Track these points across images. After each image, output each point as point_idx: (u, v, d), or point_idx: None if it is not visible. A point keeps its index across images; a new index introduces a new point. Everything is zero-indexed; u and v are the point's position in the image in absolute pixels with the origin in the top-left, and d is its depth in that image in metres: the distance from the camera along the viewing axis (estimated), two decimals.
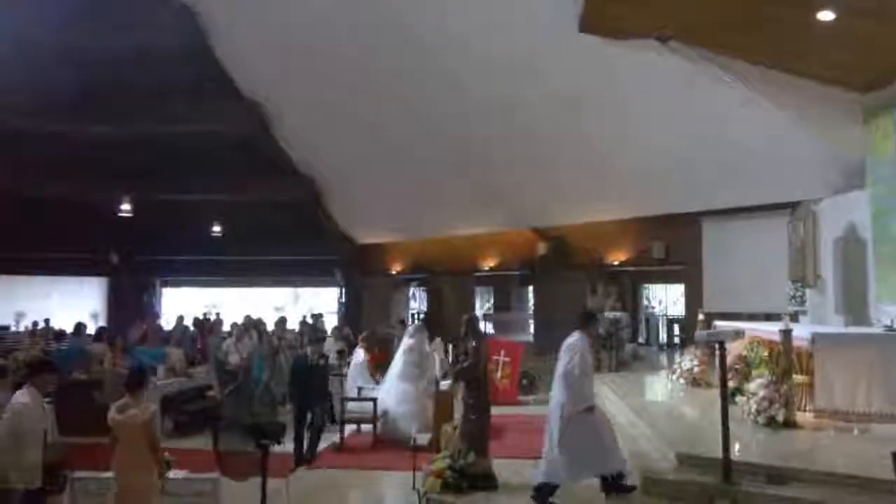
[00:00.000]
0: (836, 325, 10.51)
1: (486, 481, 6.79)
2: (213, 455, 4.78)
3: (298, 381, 8.79)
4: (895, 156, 9.97)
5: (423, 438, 8.54)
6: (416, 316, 20.40)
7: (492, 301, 20.78)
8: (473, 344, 7.36)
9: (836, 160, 11.66)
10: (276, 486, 5.54)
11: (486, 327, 17.57)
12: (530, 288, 19.59)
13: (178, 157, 17.43)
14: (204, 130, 16.75)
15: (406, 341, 9.85)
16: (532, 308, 19.47)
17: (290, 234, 19.78)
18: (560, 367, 6.34)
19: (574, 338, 6.43)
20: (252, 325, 12.64)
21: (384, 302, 20.37)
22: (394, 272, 21.33)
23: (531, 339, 17.47)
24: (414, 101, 14.19)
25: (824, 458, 5.99)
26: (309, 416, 8.66)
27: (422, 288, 21.27)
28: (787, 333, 7.40)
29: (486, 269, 19.78)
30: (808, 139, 11.48)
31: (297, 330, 15.07)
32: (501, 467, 7.14)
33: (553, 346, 16.30)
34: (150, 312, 19.94)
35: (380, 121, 14.99)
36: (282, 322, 13.46)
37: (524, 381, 12.12)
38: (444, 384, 8.92)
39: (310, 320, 16.22)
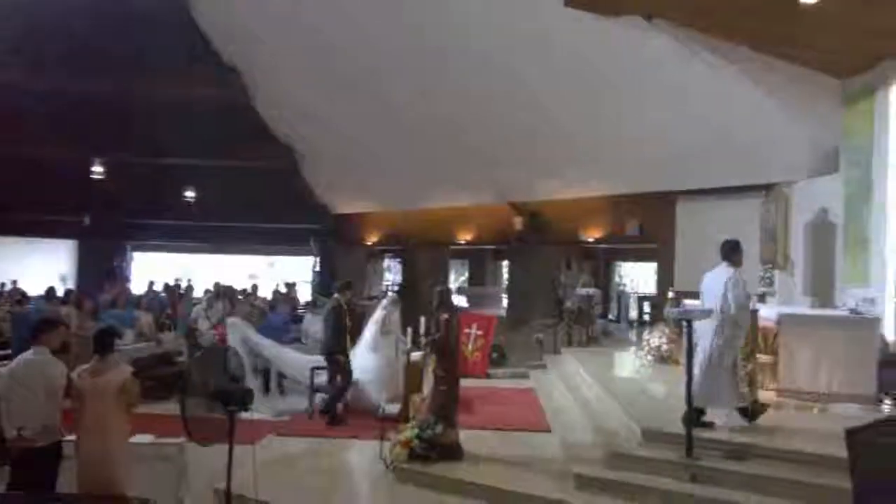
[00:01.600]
0: (803, 307, 10.71)
1: (453, 452, 6.85)
2: (180, 420, 4.75)
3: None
4: (871, 141, 10.09)
5: (392, 408, 8.62)
6: (388, 288, 20.37)
7: (466, 274, 20.84)
8: (445, 316, 7.37)
9: (813, 144, 11.75)
10: (244, 453, 5.56)
11: (461, 300, 17.62)
12: (505, 262, 19.66)
13: (153, 120, 17.13)
14: (181, 95, 16.46)
15: (378, 312, 9.84)
16: (506, 282, 19.55)
17: (265, 201, 19.61)
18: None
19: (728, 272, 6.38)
20: (223, 292, 12.54)
21: (359, 272, 20.32)
22: (369, 243, 21.26)
23: (504, 313, 17.55)
24: (396, 73, 14.01)
25: (784, 435, 6.11)
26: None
27: (397, 259, 21.25)
28: (753, 313, 7.50)
29: (462, 242, 19.79)
30: (787, 122, 11.55)
31: (269, 298, 14.99)
32: (469, 438, 7.20)
33: (526, 320, 16.48)
34: (120, 276, 19.71)
35: (360, 91, 14.79)
36: (254, 290, 13.36)
37: (495, 355, 12.19)
38: (415, 355, 8.94)
39: (283, 289, 16.12)
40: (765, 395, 7.36)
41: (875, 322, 7.92)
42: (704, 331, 6.30)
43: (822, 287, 11.19)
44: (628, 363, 10.95)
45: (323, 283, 20.20)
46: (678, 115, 12.49)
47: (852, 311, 8.31)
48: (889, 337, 8.72)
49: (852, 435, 2.39)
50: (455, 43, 12.98)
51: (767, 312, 7.93)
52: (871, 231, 9.90)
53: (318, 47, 13.96)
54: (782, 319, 7.53)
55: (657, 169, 13.95)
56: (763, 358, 7.56)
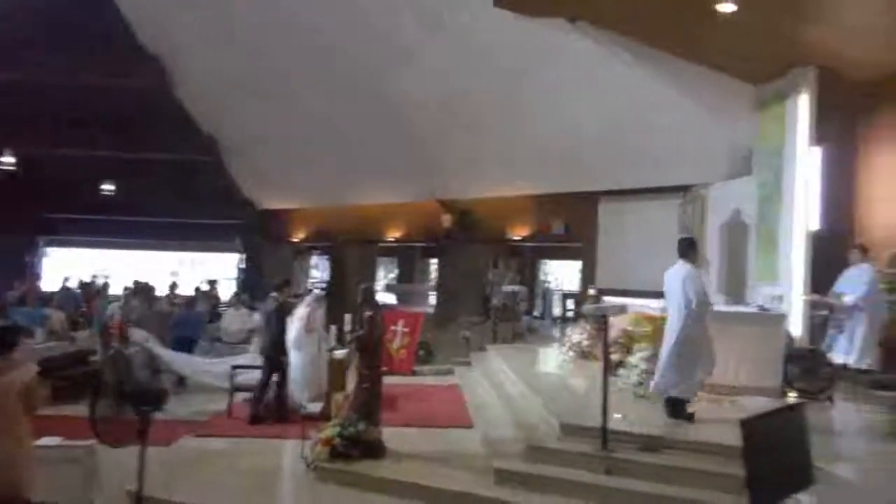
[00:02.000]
0: (717, 304, 11.12)
1: (375, 449, 6.82)
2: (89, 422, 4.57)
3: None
4: (782, 145, 10.56)
5: (315, 407, 8.53)
6: (314, 285, 20.10)
7: (395, 272, 20.81)
8: (369, 314, 7.35)
9: (729, 147, 12.22)
10: (159, 454, 5.39)
11: (389, 298, 17.56)
12: (434, 260, 19.72)
13: (68, 109, 16.41)
14: (99, 82, 15.81)
15: (302, 309, 9.72)
16: (435, 280, 19.61)
17: (187, 195, 19.08)
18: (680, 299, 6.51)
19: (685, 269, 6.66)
20: (140, 290, 12.13)
21: (286, 269, 20.00)
22: (296, 239, 20.96)
23: (432, 310, 17.61)
24: (324, 66, 13.86)
25: (695, 427, 6.33)
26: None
27: (325, 257, 21.02)
28: (665, 309, 7.75)
29: (391, 239, 19.74)
30: (705, 126, 11.98)
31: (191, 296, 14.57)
32: (392, 436, 7.19)
33: (454, 317, 16.53)
34: (30, 273, 18.81)
35: (288, 83, 14.58)
36: (172, 287, 13.00)
37: (421, 352, 12.22)
38: (340, 353, 8.87)
39: (205, 286, 15.72)
40: None
41: (782, 318, 8.31)
42: (671, 325, 6.62)
43: (735, 285, 11.67)
44: (551, 359, 11.15)
45: (248, 281, 19.81)
46: (600, 118, 12.80)
47: (761, 307, 8.70)
48: (795, 333, 9.19)
49: (746, 425, 2.50)
50: (382, 41, 12.95)
51: None
52: (780, 231, 10.37)
53: (243, 40, 13.69)
54: None
55: (580, 170, 14.26)
56: None
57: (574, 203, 15.91)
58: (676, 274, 6.73)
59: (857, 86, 10.28)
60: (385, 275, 21.05)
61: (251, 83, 14.75)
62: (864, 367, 8.24)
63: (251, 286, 18.04)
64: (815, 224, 10.07)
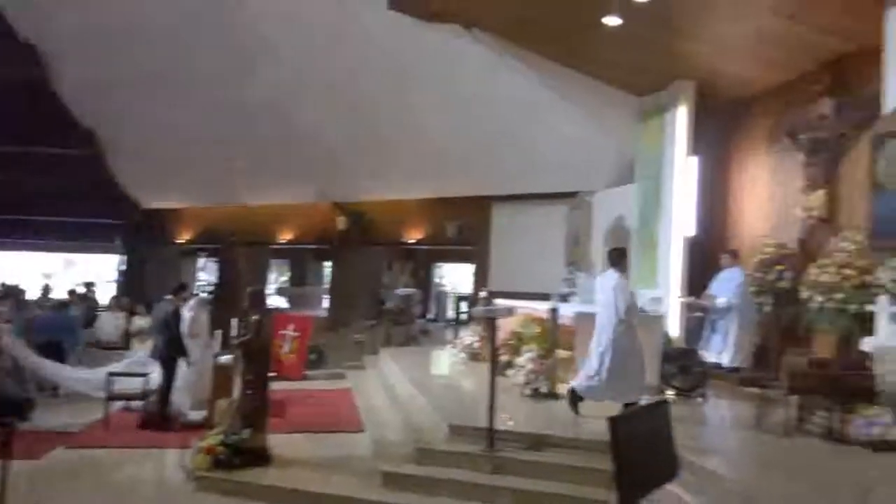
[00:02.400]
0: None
1: (260, 457, 6.63)
2: None
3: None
4: (661, 155, 11.09)
5: (198, 415, 8.21)
6: (200, 289, 19.38)
7: (288, 275, 20.37)
8: (256, 317, 7.14)
9: (614, 156, 12.74)
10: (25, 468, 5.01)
11: (281, 301, 17.19)
12: (328, 263, 19.44)
13: None
14: None
15: (185, 314, 9.33)
16: (328, 283, 19.34)
17: (64, 193, 17.91)
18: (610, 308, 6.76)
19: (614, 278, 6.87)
20: (8, 293, 11.30)
21: (170, 272, 19.16)
22: (182, 241, 20.14)
23: (325, 313, 17.36)
24: (214, 63, 13.40)
25: (577, 425, 6.53)
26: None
27: (213, 259, 20.29)
28: (553, 312, 7.99)
29: (283, 241, 19.32)
30: (592, 135, 12.44)
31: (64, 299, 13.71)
32: (280, 442, 7.03)
33: (348, 320, 16.34)
34: None
35: (175, 79, 14.00)
36: (45, 290, 12.18)
37: (312, 356, 12.01)
38: (225, 358, 8.58)
39: (81, 289, 14.83)
40: (563, 388, 7.85)
41: (659, 319, 8.72)
42: (603, 330, 6.81)
43: None
44: (443, 361, 11.23)
45: (129, 284, 18.85)
46: (494, 124, 13.04)
47: (641, 309, 9.07)
48: (672, 333, 9.67)
49: (614, 422, 2.59)
50: (278, 41, 12.69)
51: (566, 311, 8.48)
52: (659, 237, 10.91)
53: (126, 31, 13.04)
54: (578, 318, 8.08)
55: (474, 174, 14.50)
56: (563, 354, 8.06)
57: (468, 207, 16.12)
58: (607, 282, 6.99)
59: (732, 101, 10.97)
60: (277, 278, 20.58)
61: (135, 77, 14.06)
62: (735, 365, 8.78)
63: (132, 289, 17.17)
64: (691, 230, 10.64)
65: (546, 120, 12.51)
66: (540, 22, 10.47)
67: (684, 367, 7.75)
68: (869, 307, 6.92)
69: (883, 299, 6.29)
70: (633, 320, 6.81)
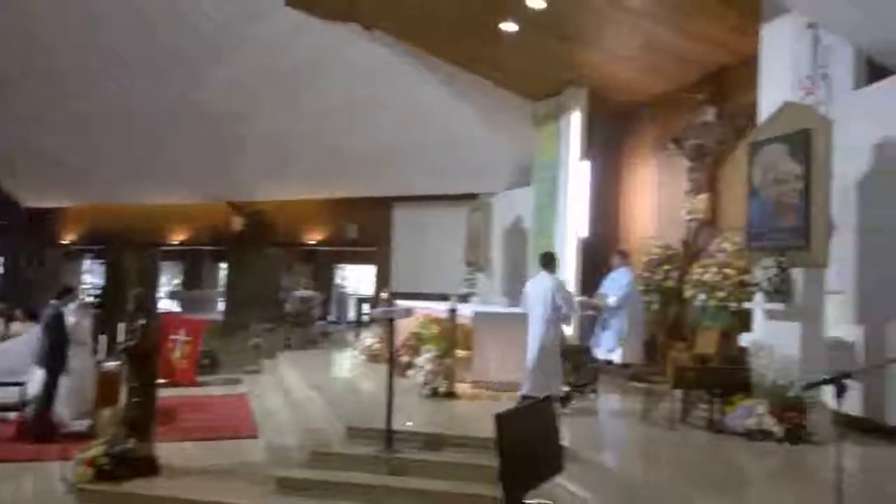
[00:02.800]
0: (500, 306, 11.73)
1: (147, 467, 6.33)
2: None
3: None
4: (556, 159, 11.39)
5: (80, 424, 7.77)
6: (84, 292, 18.39)
7: (181, 277, 19.62)
8: (142, 322, 6.81)
9: (511, 159, 13.01)
10: None
11: (173, 305, 16.54)
12: (224, 264, 18.87)
13: None
14: None
15: (68, 319, 8.80)
16: (224, 285, 18.77)
17: None
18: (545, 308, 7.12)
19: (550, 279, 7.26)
20: None
21: (53, 275, 18.08)
22: (66, 241, 19.02)
23: (221, 317, 16.84)
24: (102, 57, 12.75)
25: (474, 423, 6.59)
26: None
27: (99, 260, 19.27)
28: (452, 312, 8.05)
29: (176, 242, 18.58)
30: (491, 138, 12.66)
31: None
32: (169, 452, 6.73)
33: (245, 324, 15.91)
34: None
35: (59, 71, 13.21)
36: None
37: (205, 361, 11.59)
38: (110, 365, 8.16)
39: None
40: (462, 387, 7.94)
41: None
42: (534, 333, 7.15)
43: (515, 287, 12.37)
44: (343, 364, 11.12)
45: (9, 288, 17.62)
46: (395, 126, 13.05)
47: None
48: (567, 331, 9.93)
49: (499, 418, 2.63)
50: (175, 39, 12.22)
51: (465, 311, 8.56)
52: (555, 238, 11.20)
53: (12, 23, 12.21)
54: (475, 317, 8.18)
55: (375, 175, 14.45)
56: (461, 353, 8.13)
57: (369, 208, 16.04)
58: (540, 284, 7.26)
59: (623, 107, 11.41)
60: (170, 280, 19.78)
61: (12, 70, 13.19)
62: (625, 361, 9.13)
63: (13, 293, 16.06)
64: (584, 232, 10.99)
65: (446, 123, 12.64)
66: (439, 25, 10.57)
67: (577, 364, 7.97)
68: (747, 305, 7.33)
69: (758, 297, 6.67)
70: (570, 319, 7.28)
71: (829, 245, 6.24)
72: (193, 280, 19.08)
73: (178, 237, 18.54)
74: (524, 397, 7.05)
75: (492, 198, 13.80)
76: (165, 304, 17.98)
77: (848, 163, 6.48)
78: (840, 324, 6.57)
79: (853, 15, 6.27)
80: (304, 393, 8.70)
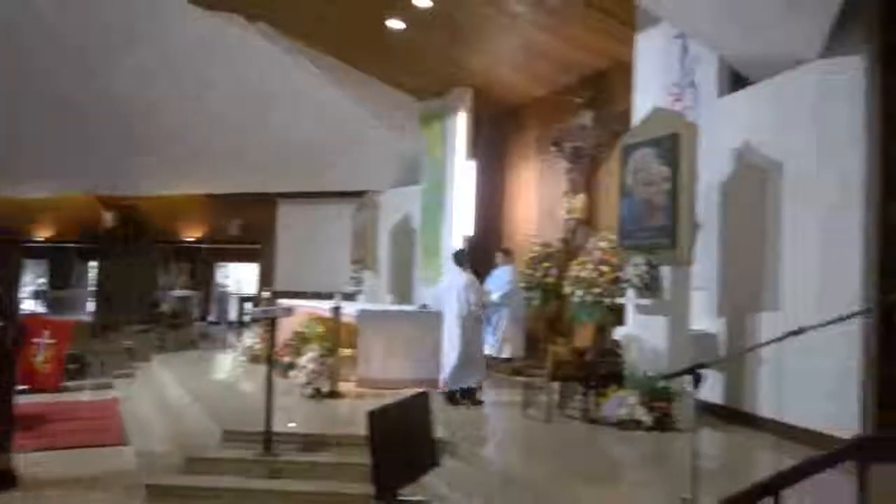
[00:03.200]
0: (386, 304, 11.73)
1: (4, 480, 5.87)
2: None
3: None
4: (443, 158, 11.50)
5: None
6: None
7: (47, 276, 18.34)
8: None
9: (399, 157, 12.98)
10: None
11: (37, 306, 15.44)
12: (94, 262, 17.79)
13: None
14: None
15: None
16: (95, 284, 17.70)
17: None
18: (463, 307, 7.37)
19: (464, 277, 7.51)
20: None
21: None
22: None
23: (90, 318, 15.87)
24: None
25: (356, 423, 6.52)
26: None
27: None
28: (336, 310, 7.96)
29: (40, 239, 17.34)
30: (379, 136, 12.55)
31: None
32: (32, 462, 6.28)
33: (117, 325, 15.08)
34: None
35: None
36: None
37: (72, 365, 10.88)
38: None
39: None
40: (346, 387, 7.86)
41: (437, 315, 8.97)
42: (451, 329, 7.39)
43: (403, 285, 12.43)
44: (222, 365, 10.77)
45: None
46: (280, 121, 12.68)
47: (422, 306, 9.36)
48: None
49: (372, 416, 2.61)
50: (52, 22, 11.36)
51: (349, 309, 8.49)
52: (442, 236, 11.31)
53: None
54: (360, 315, 8.12)
55: (257, 171, 14.00)
56: (345, 352, 8.05)
57: (252, 204, 15.58)
58: (455, 282, 7.53)
59: (506, 109, 11.66)
60: (34, 279, 18.45)
61: None
62: (508, 356, 9.34)
63: None
64: (470, 230, 11.16)
65: (334, 119, 12.42)
66: (326, 20, 10.42)
67: None
68: (620, 300, 7.67)
69: (630, 293, 7.00)
70: (482, 315, 7.60)
71: (693, 244, 6.63)
72: (60, 279, 17.87)
73: (42, 233, 17.31)
74: (443, 393, 7.40)
75: (380, 196, 13.75)
76: (28, 305, 16.78)
77: (712, 166, 6.91)
78: (704, 317, 7.00)
79: (716, 28, 6.67)
80: (179, 397, 8.36)
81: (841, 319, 2.19)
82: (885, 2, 5.64)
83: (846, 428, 5.17)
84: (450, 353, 7.43)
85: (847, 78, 5.72)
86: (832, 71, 5.86)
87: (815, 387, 5.73)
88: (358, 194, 14.29)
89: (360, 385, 8.02)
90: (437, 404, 7.18)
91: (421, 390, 2.99)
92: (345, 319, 8.16)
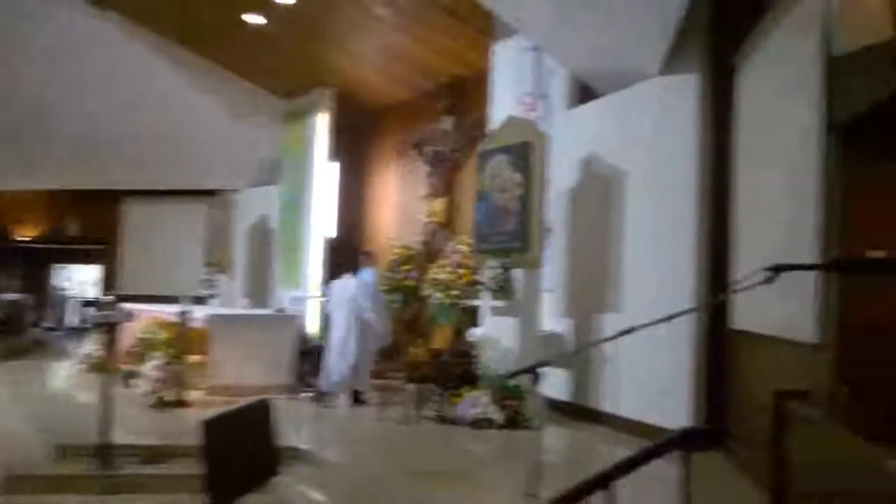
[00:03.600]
0: (242, 308, 11.33)
1: None
2: None
3: None
4: (304, 159, 11.27)
5: None
6: None
7: None
8: None
9: (257, 156, 12.60)
10: None
11: None
12: None
13: None
14: None
15: None
16: None
17: None
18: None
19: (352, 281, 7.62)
20: None
21: None
22: None
23: None
24: None
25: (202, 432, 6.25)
26: None
27: None
28: (183, 314, 7.59)
29: None
30: (235, 134, 12.13)
31: None
32: None
33: None
34: None
35: None
36: None
37: None
38: None
39: None
40: (194, 395, 7.50)
41: (295, 319, 8.81)
42: (340, 333, 7.39)
43: (259, 288, 12.07)
44: (58, 375, 9.97)
45: None
46: (124, 113, 11.95)
47: (279, 310, 9.13)
48: (311, 332, 9.86)
49: (206, 425, 2.51)
50: None
51: (199, 313, 8.12)
52: (302, 238, 11.07)
53: None
54: (211, 320, 7.79)
55: (100, 166, 13.12)
56: (194, 358, 7.69)
57: (94, 202, 14.55)
58: (345, 285, 7.60)
59: (369, 111, 11.62)
60: None
61: None
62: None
63: None
64: (331, 232, 11.01)
65: (188, 114, 11.87)
66: (178, 11, 9.92)
67: (318, 364, 7.94)
68: (476, 302, 7.84)
69: (485, 295, 7.17)
70: (381, 317, 7.70)
71: (543, 247, 6.89)
72: None
73: None
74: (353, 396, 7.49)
75: (235, 195, 13.27)
76: None
77: (562, 174, 7.22)
78: (553, 317, 7.29)
79: (565, 42, 6.97)
80: (3, 410, 7.63)
81: (669, 318, 2.33)
82: (714, 28, 6.17)
83: (677, 423, 5.55)
84: (340, 357, 7.39)
85: (684, 92, 6.17)
86: (671, 87, 6.30)
87: (650, 384, 6.13)
88: (211, 193, 13.75)
89: (211, 393, 7.67)
90: (298, 408, 7.06)
91: (262, 397, 2.89)
92: (195, 324, 7.79)
